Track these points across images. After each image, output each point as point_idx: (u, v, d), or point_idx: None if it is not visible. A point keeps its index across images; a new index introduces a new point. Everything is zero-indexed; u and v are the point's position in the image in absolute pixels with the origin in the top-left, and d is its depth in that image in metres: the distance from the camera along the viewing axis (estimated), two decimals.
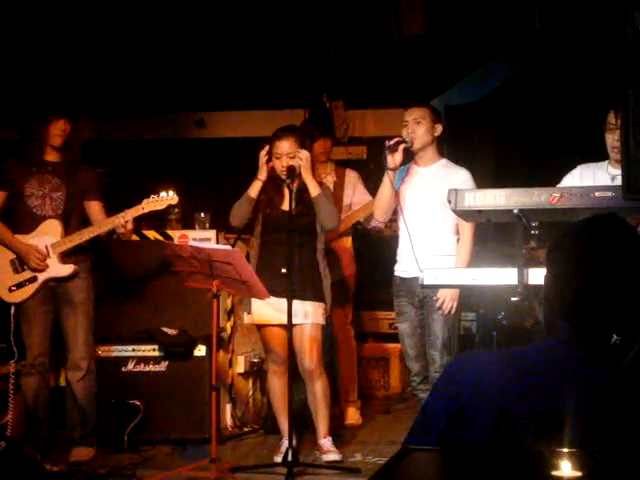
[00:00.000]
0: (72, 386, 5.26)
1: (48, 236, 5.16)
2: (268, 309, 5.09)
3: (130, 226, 5.13)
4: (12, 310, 5.15)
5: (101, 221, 5.23)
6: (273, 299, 4.99)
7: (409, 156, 5.03)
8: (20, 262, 5.16)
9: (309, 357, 5.13)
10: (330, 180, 6.21)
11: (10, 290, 5.14)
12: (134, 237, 5.91)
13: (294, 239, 5.00)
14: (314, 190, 5.11)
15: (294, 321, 4.89)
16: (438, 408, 2.00)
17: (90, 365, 5.29)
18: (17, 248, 5.14)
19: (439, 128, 4.99)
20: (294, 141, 5.13)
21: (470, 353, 3.80)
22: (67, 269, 5.19)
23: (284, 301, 4.87)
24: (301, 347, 5.12)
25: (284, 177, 5.11)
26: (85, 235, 5.16)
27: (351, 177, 6.28)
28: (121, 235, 5.24)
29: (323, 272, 5.24)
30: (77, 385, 5.25)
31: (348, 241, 6.27)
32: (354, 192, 6.19)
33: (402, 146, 4.84)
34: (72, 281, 5.22)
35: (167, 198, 5.15)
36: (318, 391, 5.17)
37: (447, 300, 4.84)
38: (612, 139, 4.39)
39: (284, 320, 4.86)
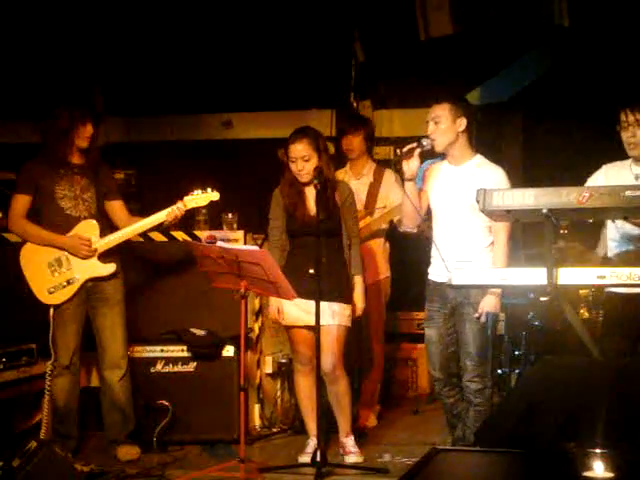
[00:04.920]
0: (112, 386, 5.25)
1: (87, 236, 5.16)
2: (296, 310, 5.09)
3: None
4: (51, 312, 5.13)
5: (144, 219, 5.23)
6: (301, 300, 4.97)
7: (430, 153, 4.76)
8: (58, 264, 5.13)
9: (331, 358, 5.10)
10: (366, 181, 6.16)
11: (49, 292, 5.13)
12: (162, 238, 5.92)
13: (320, 241, 4.95)
14: None
15: (321, 322, 4.87)
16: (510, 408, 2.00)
17: (128, 364, 5.31)
18: (62, 243, 5.12)
19: (462, 123, 4.65)
20: (308, 143, 5.09)
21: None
22: (109, 268, 5.19)
23: (312, 302, 4.86)
24: (324, 348, 5.06)
25: (302, 180, 5.12)
26: (129, 234, 5.20)
27: (389, 179, 6.11)
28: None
29: (351, 272, 5.22)
30: (118, 385, 5.26)
31: (377, 244, 6.10)
32: (388, 194, 6.03)
33: (417, 151, 4.59)
34: (109, 280, 5.23)
35: (209, 194, 5.22)
36: (339, 391, 5.17)
37: (489, 319, 4.62)
38: (626, 136, 4.36)
39: (311, 321, 4.87)
